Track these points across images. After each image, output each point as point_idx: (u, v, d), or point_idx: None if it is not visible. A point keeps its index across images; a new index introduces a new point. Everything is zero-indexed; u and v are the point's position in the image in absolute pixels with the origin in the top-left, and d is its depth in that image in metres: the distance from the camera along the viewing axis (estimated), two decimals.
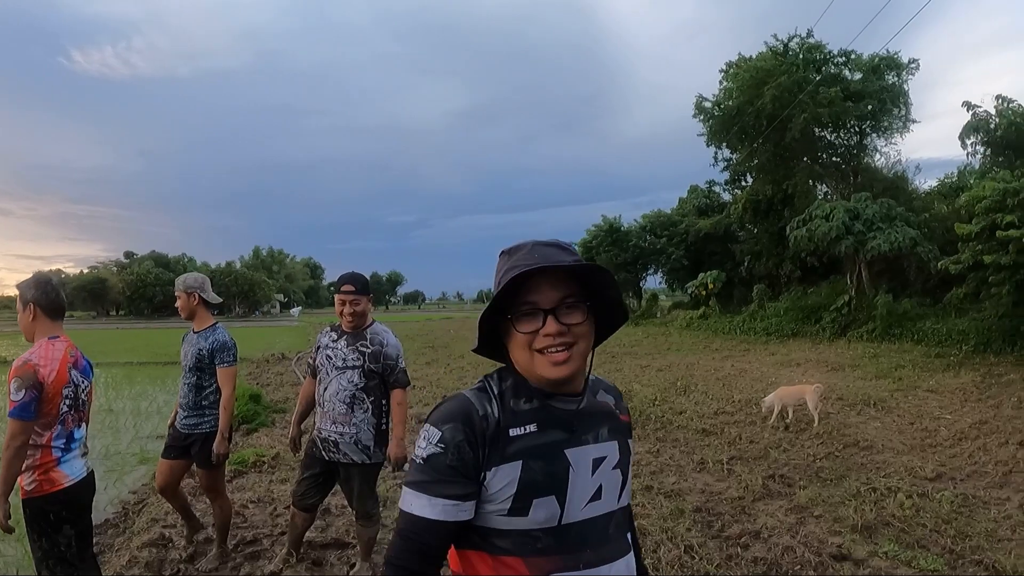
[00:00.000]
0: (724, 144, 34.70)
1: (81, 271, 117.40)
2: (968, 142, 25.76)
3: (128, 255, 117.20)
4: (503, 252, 1.82)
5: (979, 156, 26.16)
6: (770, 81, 29.09)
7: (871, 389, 14.17)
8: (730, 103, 32.07)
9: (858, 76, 29.35)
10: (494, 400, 1.76)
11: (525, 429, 1.72)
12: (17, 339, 36.28)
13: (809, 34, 29.98)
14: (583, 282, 1.75)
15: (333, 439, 4.99)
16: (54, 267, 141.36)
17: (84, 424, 3.96)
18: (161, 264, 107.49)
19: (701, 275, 38.79)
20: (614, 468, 1.81)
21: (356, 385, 5.00)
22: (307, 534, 5.86)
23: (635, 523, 2.13)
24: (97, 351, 27.74)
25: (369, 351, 5.02)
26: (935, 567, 5.51)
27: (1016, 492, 7.47)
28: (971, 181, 24.76)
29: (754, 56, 31.19)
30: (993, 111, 24.25)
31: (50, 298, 3.90)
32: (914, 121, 30.09)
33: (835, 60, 29.80)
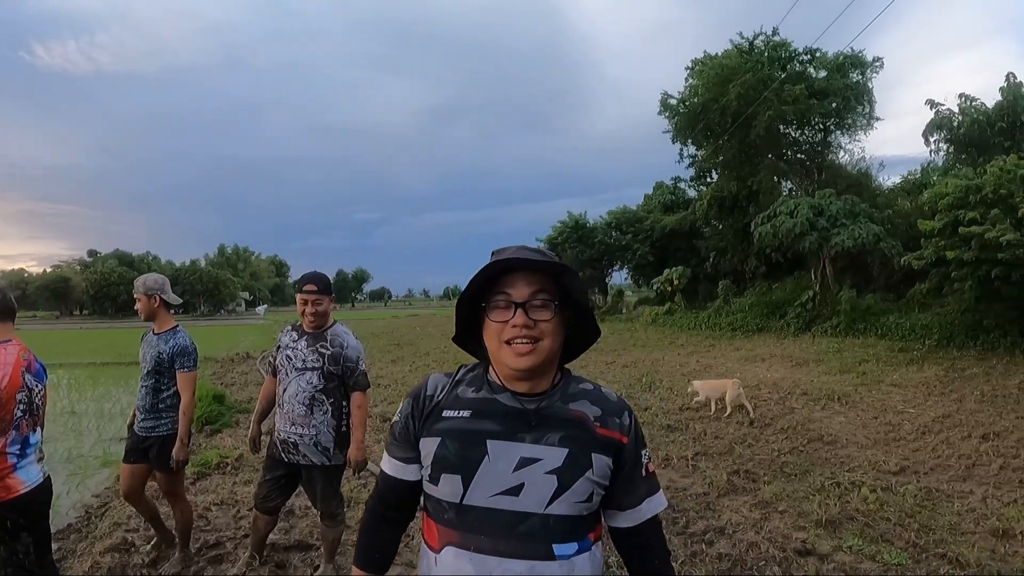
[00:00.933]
0: (689, 141, 34.70)
1: (44, 270, 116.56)
2: (931, 140, 26.01)
3: (91, 254, 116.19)
4: (493, 252, 1.95)
5: (942, 153, 26.43)
6: (735, 78, 29.15)
7: (835, 384, 14.24)
8: (695, 100, 32.09)
9: (823, 74, 29.50)
10: (448, 384, 2.01)
11: (458, 413, 1.92)
12: None
13: (774, 32, 30.08)
14: (559, 286, 1.87)
15: (292, 440, 4.93)
16: (16, 266, 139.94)
17: (39, 428, 3.84)
18: (125, 263, 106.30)
19: (667, 271, 38.84)
20: (548, 473, 1.82)
21: (315, 387, 4.94)
22: (270, 536, 5.78)
23: (653, 553, 2.00)
24: (60, 352, 27.38)
25: (329, 353, 4.97)
26: (899, 561, 5.50)
27: (979, 485, 7.51)
28: (934, 178, 25.04)
29: (720, 54, 31.25)
30: (956, 109, 24.48)
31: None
32: (878, 119, 30.30)
33: (800, 58, 29.91)
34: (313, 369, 4.94)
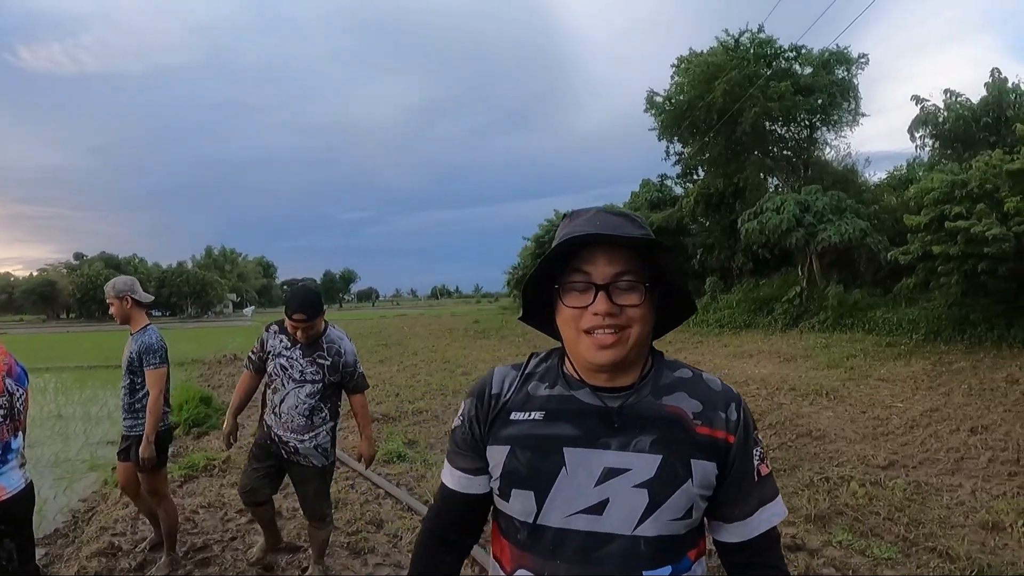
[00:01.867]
0: (675, 138, 34.72)
1: (31, 273, 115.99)
2: (917, 135, 26.14)
3: (78, 256, 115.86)
4: (565, 215, 1.71)
5: (927, 149, 26.54)
6: (721, 75, 29.16)
7: (823, 379, 14.27)
8: (681, 97, 32.09)
9: (808, 70, 29.56)
10: (517, 379, 1.72)
11: (528, 415, 1.64)
12: None
13: (760, 29, 30.12)
14: (646, 262, 1.58)
15: (293, 446, 4.94)
16: (3, 270, 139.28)
17: (21, 434, 3.79)
18: (112, 265, 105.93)
19: None
20: (637, 486, 1.51)
21: (315, 396, 4.96)
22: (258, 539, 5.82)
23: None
24: (46, 355, 27.25)
25: (328, 363, 4.98)
26: (889, 555, 5.50)
27: (968, 478, 7.52)
28: (919, 174, 25.08)
29: (705, 51, 31.28)
30: (941, 105, 24.56)
31: None
32: (864, 115, 30.37)
33: (785, 55, 29.97)
34: (314, 382, 4.95)
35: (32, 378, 3.87)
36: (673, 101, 32.71)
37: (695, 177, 38.93)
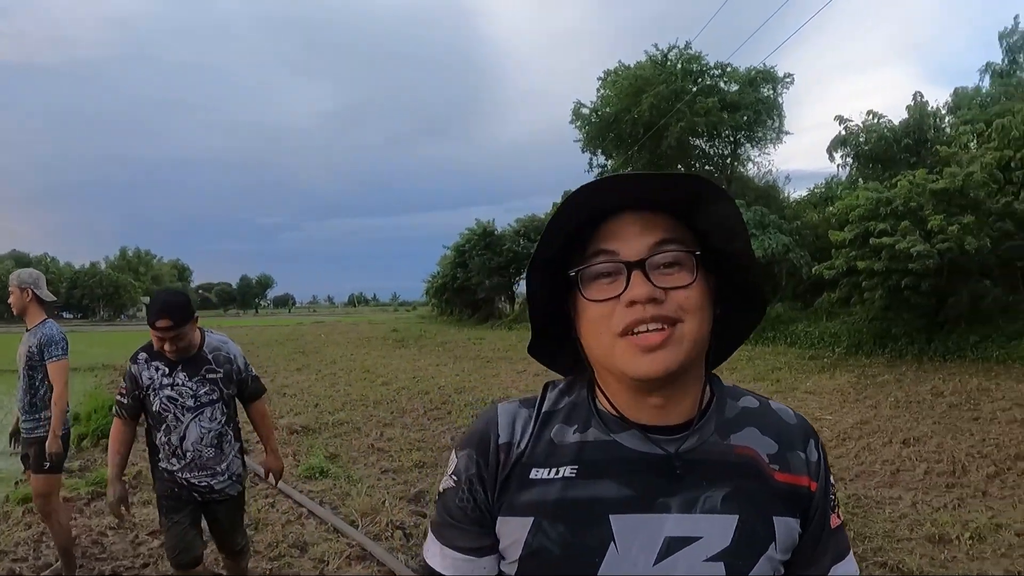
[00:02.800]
0: (600, 151, 35.01)
1: None
2: (836, 154, 26.64)
3: None
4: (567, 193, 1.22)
5: (847, 168, 27.06)
6: (648, 89, 29.49)
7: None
8: (607, 110, 32.39)
9: (735, 88, 30.09)
10: (532, 422, 1.23)
11: (556, 472, 1.16)
12: None
13: (688, 46, 30.51)
14: (696, 228, 1.15)
15: (206, 484, 4.16)
16: None
17: None
18: (22, 264, 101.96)
19: None
20: (710, 560, 1.10)
21: (221, 420, 4.20)
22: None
23: None
24: None
25: (221, 374, 4.19)
26: None
27: (907, 490, 7.49)
28: (839, 191, 25.54)
29: (633, 65, 31.54)
30: (862, 126, 25.09)
31: None
32: (787, 132, 31.06)
33: (712, 72, 30.40)
34: (212, 403, 4.15)
35: None
36: (599, 113, 32.98)
37: None
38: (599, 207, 1.11)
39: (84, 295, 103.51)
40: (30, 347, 5.05)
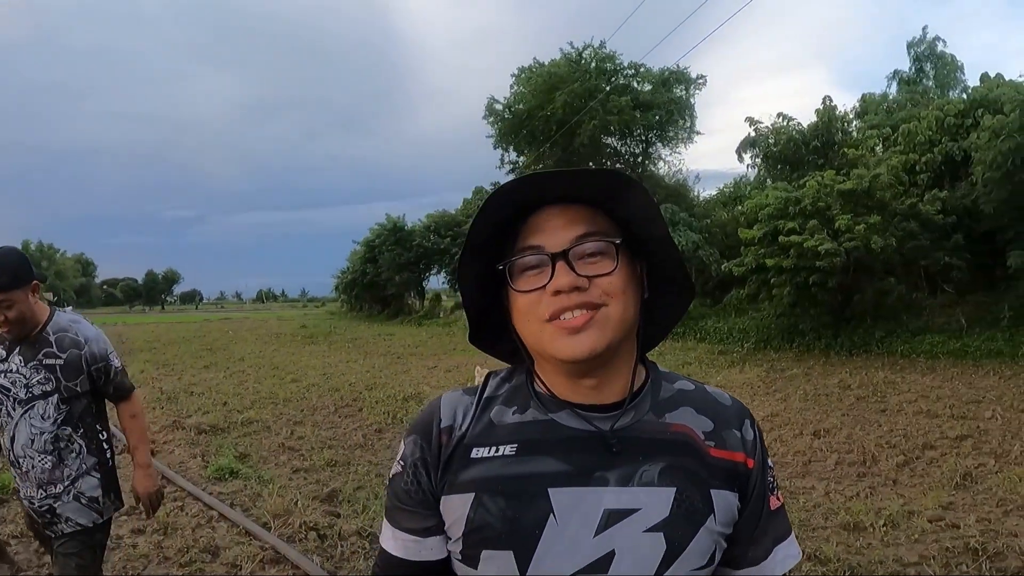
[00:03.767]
0: (512, 147, 35.02)
1: None
2: (746, 155, 27.10)
3: None
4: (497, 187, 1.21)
5: (756, 168, 27.56)
6: (562, 87, 29.58)
7: None
8: (521, 107, 32.41)
9: (648, 87, 30.38)
10: (474, 407, 1.28)
11: (496, 451, 1.21)
12: None
13: (602, 45, 30.70)
14: (618, 219, 1.21)
15: (47, 507, 3.31)
16: None
17: None
18: None
19: None
20: (649, 530, 1.13)
21: (56, 420, 3.30)
22: None
23: None
24: None
25: (62, 361, 3.30)
26: None
27: (819, 480, 7.56)
28: (747, 191, 26.00)
29: (548, 63, 31.62)
30: (771, 127, 25.57)
31: None
32: (699, 133, 31.51)
33: (625, 72, 30.65)
34: (46, 396, 3.29)
35: None
36: (513, 110, 32.96)
37: None
38: (523, 203, 1.18)
39: None
40: None
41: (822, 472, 7.92)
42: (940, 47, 29.75)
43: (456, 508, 1.19)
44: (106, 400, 3.56)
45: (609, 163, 32.98)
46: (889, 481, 7.46)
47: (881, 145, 21.83)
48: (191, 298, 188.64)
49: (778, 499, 1.27)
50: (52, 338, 3.31)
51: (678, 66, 30.57)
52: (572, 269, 1.13)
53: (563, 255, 1.13)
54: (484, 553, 1.16)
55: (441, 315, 44.19)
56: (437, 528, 1.23)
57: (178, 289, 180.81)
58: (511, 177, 38.87)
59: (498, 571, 1.15)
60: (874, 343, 16.84)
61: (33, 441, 3.29)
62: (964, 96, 22.16)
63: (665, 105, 29.65)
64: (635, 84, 30.65)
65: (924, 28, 30.00)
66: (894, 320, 17.42)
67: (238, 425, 11.11)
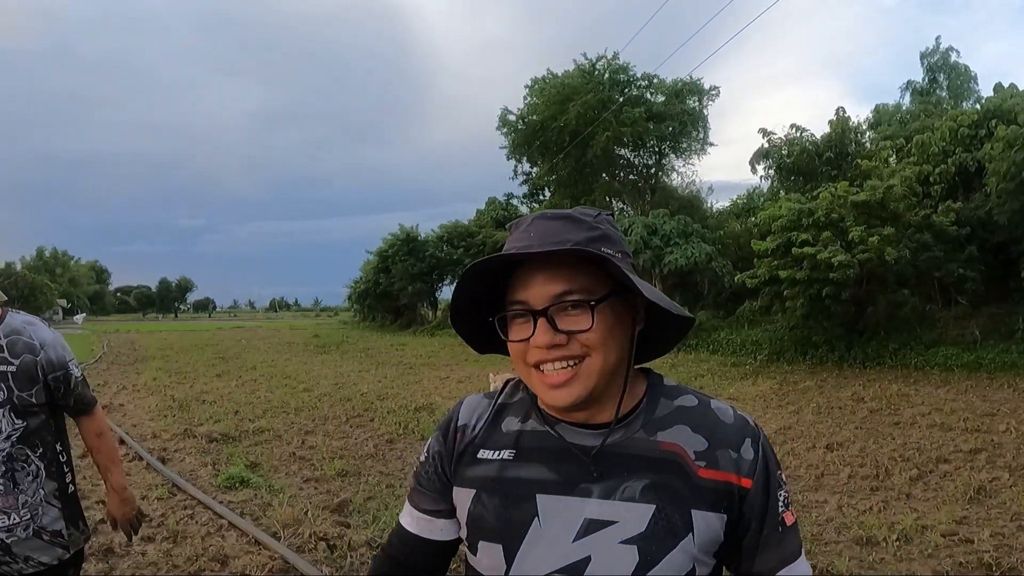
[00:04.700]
0: (525, 158, 35.07)
1: None
2: (759, 166, 27.07)
3: None
4: (509, 225, 1.39)
5: (769, 180, 27.52)
6: (576, 98, 29.58)
7: None
8: (534, 117, 32.42)
9: (661, 99, 30.33)
10: (488, 412, 1.45)
11: (497, 454, 1.37)
12: None
13: (615, 57, 30.69)
14: (604, 270, 1.27)
15: None
16: None
17: None
18: None
19: None
20: (624, 543, 1.23)
21: (10, 436, 2.81)
22: None
23: None
24: None
25: (14, 369, 2.81)
26: None
27: (832, 494, 7.50)
28: (761, 203, 25.95)
29: (561, 74, 31.63)
30: (785, 138, 25.53)
31: None
32: (712, 144, 31.44)
33: (639, 83, 30.63)
34: None
35: None
36: (526, 120, 32.96)
37: (542, 197, 39.38)
38: (509, 262, 1.29)
39: None
40: None
41: (835, 486, 7.86)
42: (953, 57, 29.71)
43: (462, 500, 1.38)
44: (65, 416, 3.10)
45: (622, 174, 32.97)
46: (902, 495, 7.40)
47: (895, 156, 21.78)
48: (204, 306, 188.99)
49: (792, 515, 1.30)
50: (3, 342, 2.84)
51: (691, 77, 30.59)
52: (552, 326, 1.22)
53: (543, 312, 1.23)
54: (480, 543, 1.33)
55: None
56: (448, 513, 1.43)
57: (191, 297, 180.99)
58: (525, 188, 39.03)
59: (490, 560, 1.31)
60: (888, 355, 16.75)
61: None
62: (978, 107, 22.09)
63: (678, 116, 29.62)
64: (648, 95, 30.63)
65: (937, 39, 30.07)
66: (908, 332, 17.33)
67: (249, 434, 11.10)
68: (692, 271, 25.07)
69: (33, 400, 2.85)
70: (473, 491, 1.36)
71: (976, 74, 29.88)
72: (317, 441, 10.48)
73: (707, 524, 1.23)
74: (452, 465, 1.42)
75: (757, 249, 18.23)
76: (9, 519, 2.78)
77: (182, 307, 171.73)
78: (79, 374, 3.04)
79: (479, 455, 1.39)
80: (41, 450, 2.89)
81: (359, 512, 6.99)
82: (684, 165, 32.69)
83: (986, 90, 27.28)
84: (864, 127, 25.38)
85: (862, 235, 15.83)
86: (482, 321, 1.37)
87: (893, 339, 17.15)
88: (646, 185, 32.69)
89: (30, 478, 2.85)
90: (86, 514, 3.23)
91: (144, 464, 8.96)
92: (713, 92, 30.62)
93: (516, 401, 1.44)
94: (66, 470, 3.01)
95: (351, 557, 5.78)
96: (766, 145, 25.84)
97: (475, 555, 1.35)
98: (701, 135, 30.92)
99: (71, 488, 3.02)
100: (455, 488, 1.41)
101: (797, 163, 24.32)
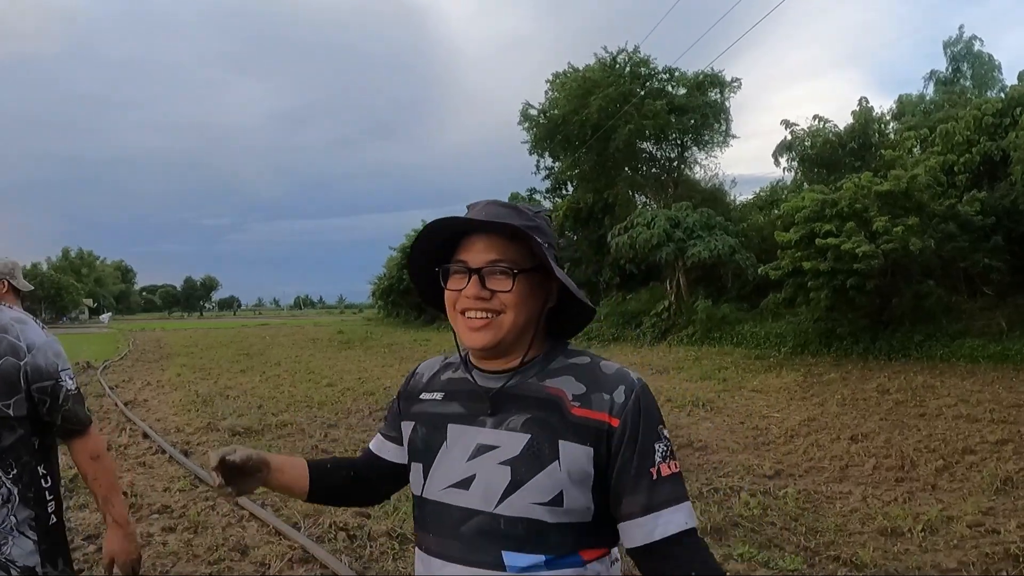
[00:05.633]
0: (547, 152, 34.89)
1: None
2: (782, 158, 26.89)
3: None
4: (468, 205, 1.70)
5: (792, 172, 27.32)
6: (597, 91, 29.39)
7: (698, 390, 14.23)
8: (556, 112, 32.22)
9: (682, 91, 30.11)
10: (437, 365, 1.82)
11: (432, 395, 1.72)
12: None
13: (636, 50, 30.50)
14: (532, 253, 1.59)
15: None
16: None
17: None
18: None
19: None
20: (502, 463, 1.51)
21: None
22: None
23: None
24: None
25: None
26: (794, 566, 5.28)
27: (856, 485, 7.45)
28: (784, 195, 25.77)
29: (582, 68, 31.46)
30: (807, 130, 25.34)
31: None
32: (734, 136, 31.17)
33: (660, 76, 30.42)
34: None
35: None
36: (547, 115, 32.79)
37: (564, 192, 39.29)
38: (461, 229, 1.62)
39: (25, 296, 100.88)
40: None
41: (859, 477, 7.81)
42: (977, 46, 29.34)
43: (406, 431, 1.74)
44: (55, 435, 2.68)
45: (644, 168, 32.77)
46: (928, 486, 7.35)
47: (919, 146, 21.55)
48: (229, 304, 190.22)
49: (670, 467, 1.50)
50: None
51: (712, 69, 30.32)
52: (482, 283, 1.55)
53: (478, 271, 1.55)
54: (412, 464, 1.68)
55: None
56: (396, 440, 1.82)
57: (216, 296, 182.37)
58: (547, 183, 38.94)
59: (415, 477, 1.66)
60: (913, 347, 16.60)
61: None
62: (1002, 95, 21.80)
63: (700, 109, 29.35)
64: (670, 88, 30.37)
65: (960, 28, 29.49)
66: (933, 323, 17.17)
67: (272, 428, 11.18)
68: (715, 264, 24.94)
69: (11, 412, 2.42)
70: (412, 423, 1.71)
71: (1000, 63, 29.51)
72: (340, 434, 10.55)
73: (573, 454, 1.48)
74: (404, 403, 1.80)
75: (780, 240, 18.09)
76: None
77: (207, 306, 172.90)
78: (72, 387, 2.61)
79: (421, 396, 1.74)
80: (16, 471, 2.43)
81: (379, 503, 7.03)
82: (707, 158, 32.41)
83: (1010, 78, 26.95)
84: (887, 118, 25.18)
85: (886, 225, 15.63)
86: (431, 274, 1.66)
87: (918, 330, 17.00)
88: (669, 178, 32.47)
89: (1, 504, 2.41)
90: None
91: (167, 457, 9.06)
92: (735, 84, 30.32)
93: (455, 359, 1.78)
94: (48, 497, 2.56)
95: (370, 547, 5.81)
96: (789, 137, 25.71)
97: (410, 474, 1.69)
98: (723, 127, 30.59)
99: (53, 519, 2.56)
100: (402, 422, 1.77)
101: (820, 154, 24.18)
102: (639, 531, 1.46)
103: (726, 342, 21.73)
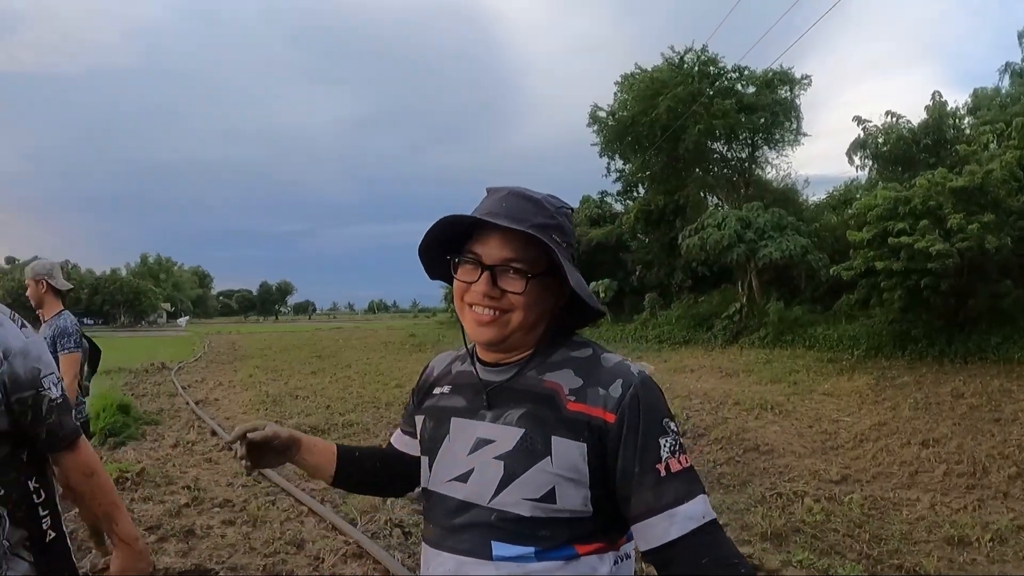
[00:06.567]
0: (617, 155, 34.69)
1: None
2: (855, 157, 26.31)
3: (9, 260, 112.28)
4: (488, 188, 1.68)
5: (866, 170, 26.75)
6: (665, 92, 29.14)
7: (767, 393, 14.04)
8: (624, 113, 32.02)
9: (752, 90, 29.72)
10: (450, 359, 1.85)
11: (441, 389, 1.75)
12: None
13: (704, 49, 30.18)
14: (547, 252, 1.54)
15: None
16: None
17: None
18: None
19: (593, 284, 38.56)
20: (496, 458, 1.52)
21: None
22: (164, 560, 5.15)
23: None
24: None
25: None
26: (854, 574, 5.17)
27: (925, 492, 7.28)
28: (858, 194, 25.25)
29: (651, 68, 31.23)
30: (881, 127, 24.79)
31: None
32: (805, 135, 30.65)
33: (728, 75, 30.06)
34: None
35: None
36: (616, 116, 32.63)
37: (636, 194, 39.08)
38: (477, 223, 1.57)
39: (105, 301, 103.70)
40: (45, 337, 4.92)
41: (928, 484, 7.63)
42: None
43: (419, 424, 1.77)
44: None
45: (715, 168, 32.44)
46: (999, 494, 7.15)
47: (995, 141, 20.88)
48: (304, 308, 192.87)
49: (680, 463, 1.45)
50: None
51: (781, 66, 29.82)
52: (493, 281, 1.54)
53: (491, 268, 1.54)
54: (423, 457, 1.71)
55: None
56: (412, 434, 1.84)
57: (292, 300, 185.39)
58: (618, 186, 38.77)
59: (424, 470, 1.70)
60: (990, 349, 15.97)
61: None
62: None
63: (770, 107, 28.87)
64: (739, 87, 29.98)
65: None
66: (1011, 325, 16.51)
67: (338, 427, 11.37)
68: (788, 265, 24.54)
69: None
70: (423, 417, 1.75)
71: None
72: None
73: (566, 450, 1.47)
74: (418, 397, 1.84)
75: (852, 240, 17.68)
76: None
77: (282, 310, 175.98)
78: (57, 395, 2.19)
79: (433, 391, 1.77)
80: (3, 492, 2.10)
81: None
82: (778, 157, 31.84)
83: None
84: (962, 112, 24.49)
85: (961, 223, 15.11)
86: (440, 257, 1.65)
87: (995, 332, 16.39)
88: (740, 179, 32.05)
89: None
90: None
91: (233, 454, 9.22)
92: (805, 81, 29.73)
93: (464, 353, 1.78)
94: (42, 513, 2.24)
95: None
96: (861, 134, 25.12)
97: (421, 467, 1.72)
98: (794, 125, 30.01)
99: (51, 534, 2.25)
100: (416, 416, 1.80)
101: (894, 151, 23.62)
102: (653, 532, 1.40)
103: (798, 345, 21.34)
